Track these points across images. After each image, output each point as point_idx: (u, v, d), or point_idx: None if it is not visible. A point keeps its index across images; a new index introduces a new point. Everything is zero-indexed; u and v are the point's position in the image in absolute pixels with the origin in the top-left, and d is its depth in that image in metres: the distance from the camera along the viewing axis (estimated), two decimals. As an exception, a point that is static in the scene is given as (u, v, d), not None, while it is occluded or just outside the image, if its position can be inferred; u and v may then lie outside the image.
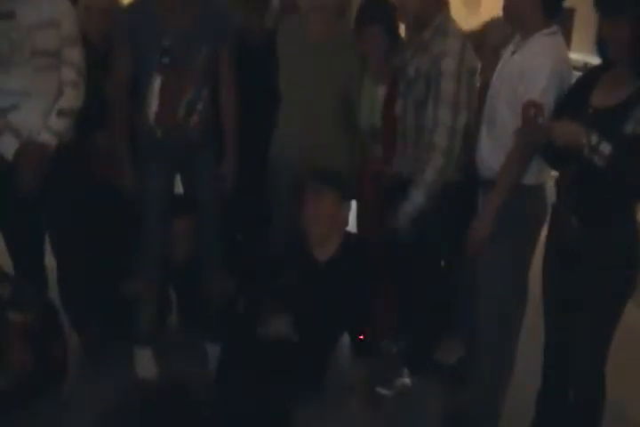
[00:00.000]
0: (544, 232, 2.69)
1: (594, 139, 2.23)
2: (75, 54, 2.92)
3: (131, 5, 3.04)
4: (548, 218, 2.68)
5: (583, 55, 4.81)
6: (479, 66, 3.12)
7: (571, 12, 8.64)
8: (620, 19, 2.25)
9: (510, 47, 2.72)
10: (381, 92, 3.16)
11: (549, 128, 2.34)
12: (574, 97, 2.47)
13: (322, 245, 3.07)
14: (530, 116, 2.35)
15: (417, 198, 2.84)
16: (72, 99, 2.94)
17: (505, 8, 2.67)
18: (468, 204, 2.86)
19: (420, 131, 2.88)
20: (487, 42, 3.29)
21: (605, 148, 2.22)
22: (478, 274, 2.78)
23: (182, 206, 3.29)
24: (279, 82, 3.20)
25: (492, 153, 2.71)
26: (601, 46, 2.41)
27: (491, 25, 3.36)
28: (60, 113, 2.90)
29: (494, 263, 2.71)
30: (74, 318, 3.34)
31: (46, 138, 2.88)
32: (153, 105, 3.03)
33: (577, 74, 2.67)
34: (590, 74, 2.52)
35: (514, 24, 2.71)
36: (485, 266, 2.75)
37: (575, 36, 8.59)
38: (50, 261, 3.29)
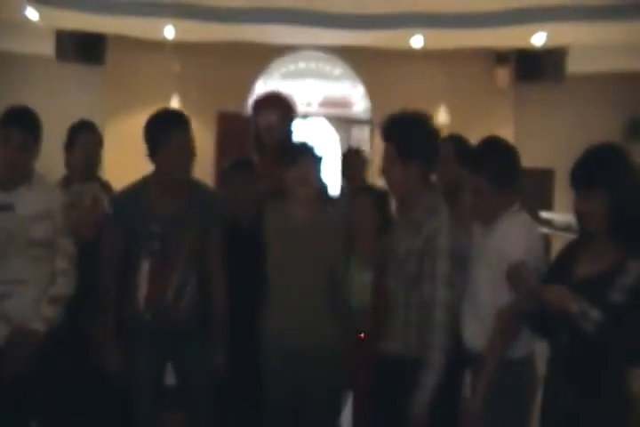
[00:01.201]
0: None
1: (584, 305, 2.26)
2: (67, 244, 2.99)
3: (120, 192, 3.15)
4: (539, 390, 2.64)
5: (565, 216, 4.92)
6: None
7: (550, 174, 9.01)
8: (594, 194, 2.34)
9: (478, 229, 2.79)
10: (368, 276, 3.19)
11: (541, 289, 2.37)
12: (558, 268, 2.52)
13: None
14: (519, 276, 2.39)
15: (430, 381, 2.71)
16: (63, 286, 2.97)
17: (471, 207, 2.77)
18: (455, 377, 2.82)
19: (409, 309, 2.85)
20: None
21: (595, 314, 2.24)
22: None
23: (174, 398, 3.20)
24: (266, 266, 3.21)
25: (475, 331, 2.71)
26: (579, 218, 2.48)
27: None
28: (52, 300, 2.93)
29: None
30: None
31: (37, 325, 2.88)
32: (142, 289, 3.06)
33: (560, 234, 2.73)
34: (572, 245, 2.58)
35: (482, 218, 2.78)
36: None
37: (557, 197, 8.89)
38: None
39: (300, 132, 3.81)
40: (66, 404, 3.07)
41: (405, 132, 2.79)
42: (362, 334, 3.15)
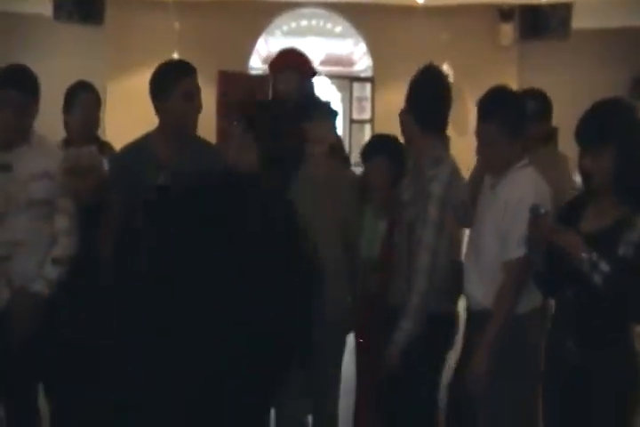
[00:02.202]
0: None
1: (594, 255, 2.27)
2: (67, 203, 2.96)
3: (124, 148, 3.13)
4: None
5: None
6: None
7: (554, 131, 8.93)
8: (601, 150, 2.32)
9: (487, 181, 2.78)
10: (382, 226, 3.21)
11: (555, 232, 2.37)
12: (563, 223, 2.50)
13: None
14: (536, 217, 2.39)
15: (405, 325, 2.81)
16: (65, 247, 2.95)
17: (480, 156, 2.77)
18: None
19: (410, 256, 2.89)
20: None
21: (604, 267, 2.26)
22: (481, 411, 2.71)
23: None
24: None
25: (479, 286, 2.72)
26: (584, 175, 2.47)
27: None
28: (54, 261, 2.90)
29: (499, 400, 2.64)
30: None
31: (40, 287, 2.87)
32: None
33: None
34: (575, 201, 2.57)
35: (491, 168, 2.78)
36: (491, 402, 2.68)
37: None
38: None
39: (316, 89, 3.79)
40: (68, 370, 3.10)
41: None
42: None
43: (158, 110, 2.94)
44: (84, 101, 3.58)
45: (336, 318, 3.13)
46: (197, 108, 2.98)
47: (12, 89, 2.83)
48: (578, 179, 2.96)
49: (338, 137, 3.59)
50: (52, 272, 2.89)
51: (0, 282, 2.85)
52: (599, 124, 2.36)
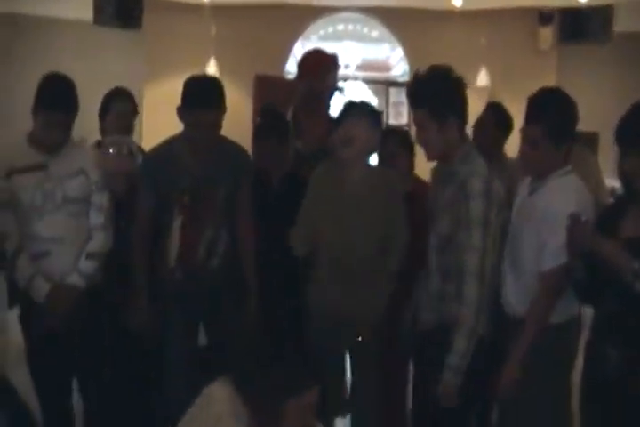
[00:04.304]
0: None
1: (637, 264, 2.20)
2: (103, 199, 3.05)
3: (152, 150, 3.17)
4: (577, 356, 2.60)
5: (609, 180, 4.82)
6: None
7: (594, 137, 8.79)
8: None
9: (525, 186, 2.72)
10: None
11: (594, 240, 2.31)
12: (603, 227, 2.45)
13: None
14: (576, 224, 2.33)
15: (463, 345, 2.59)
16: (101, 242, 3.05)
17: (522, 157, 2.68)
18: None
19: (442, 276, 2.73)
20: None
21: None
22: (509, 419, 2.67)
23: (206, 359, 3.21)
24: (314, 233, 3.09)
25: (517, 296, 2.66)
26: (624, 177, 2.41)
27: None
28: (90, 256, 3.01)
29: (531, 408, 2.59)
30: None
31: (76, 280, 2.97)
32: (173, 247, 3.09)
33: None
34: (617, 205, 2.52)
35: (531, 171, 2.68)
36: (521, 410, 2.63)
37: (601, 161, 8.69)
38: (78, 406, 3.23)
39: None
40: (101, 364, 3.13)
41: (434, 93, 2.64)
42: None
43: (181, 119, 2.99)
44: (119, 110, 3.67)
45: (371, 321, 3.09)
46: (213, 121, 3.00)
47: (60, 113, 2.91)
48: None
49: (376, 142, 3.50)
50: (88, 266, 2.98)
51: (39, 277, 2.92)
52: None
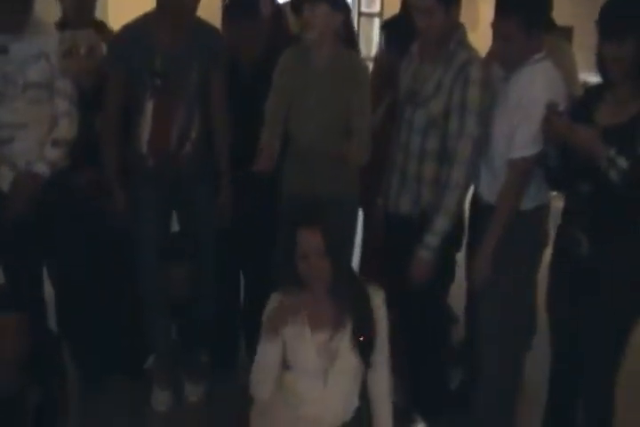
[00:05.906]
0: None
1: (612, 152, 2.22)
2: (67, 85, 2.95)
3: (121, 30, 3.04)
4: (549, 241, 2.65)
5: (582, 74, 4.78)
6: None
7: (569, 31, 8.65)
8: (624, 40, 2.25)
9: (499, 73, 2.67)
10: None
11: (571, 129, 2.31)
12: (577, 115, 2.44)
13: None
14: (552, 114, 2.34)
15: (444, 224, 2.65)
16: (66, 129, 2.97)
17: (496, 53, 2.66)
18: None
19: (423, 161, 2.73)
20: None
21: (622, 163, 2.21)
22: (481, 301, 2.74)
23: (178, 248, 3.22)
24: (288, 122, 3.04)
25: (489, 184, 2.67)
26: (601, 65, 2.39)
27: None
28: (55, 143, 2.95)
29: (498, 291, 2.66)
30: (73, 348, 3.28)
31: (41, 168, 2.91)
32: (145, 132, 3.02)
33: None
34: (591, 92, 2.50)
35: (504, 61, 2.64)
36: (489, 294, 2.70)
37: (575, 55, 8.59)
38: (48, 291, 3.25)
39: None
40: (70, 250, 3.13)
41: None
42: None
43: None
44: None
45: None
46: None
47: None
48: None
49: (350, 28, 3.39)
50: (53, 153, 2.93)
51: (3, 164, 2.87)
52: (624, 10, 2.28)
